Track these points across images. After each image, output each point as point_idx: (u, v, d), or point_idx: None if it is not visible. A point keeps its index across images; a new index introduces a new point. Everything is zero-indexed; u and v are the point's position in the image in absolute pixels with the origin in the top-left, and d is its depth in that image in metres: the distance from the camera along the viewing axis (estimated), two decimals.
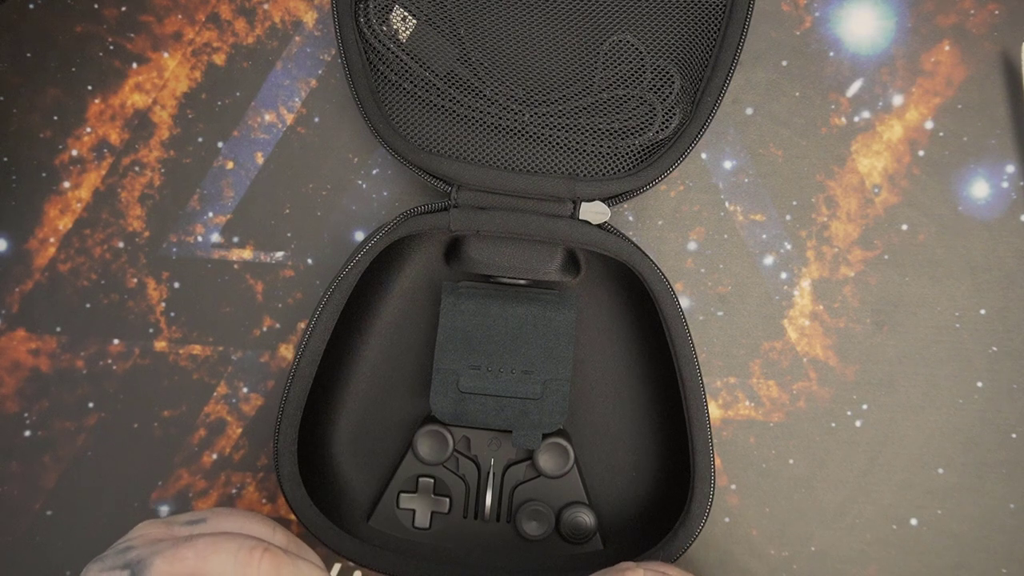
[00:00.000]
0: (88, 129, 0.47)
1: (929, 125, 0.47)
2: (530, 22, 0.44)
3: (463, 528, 0.45)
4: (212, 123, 0.48)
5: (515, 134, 0.44)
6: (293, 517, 0.47)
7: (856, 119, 0.48)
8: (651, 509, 0.46)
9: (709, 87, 0.43)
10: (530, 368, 0.44)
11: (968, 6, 0.47)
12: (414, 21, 0.43)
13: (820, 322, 0.47)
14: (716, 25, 0.43)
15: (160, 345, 0.47)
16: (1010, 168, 0.47)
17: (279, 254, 0.48)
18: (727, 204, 0.48)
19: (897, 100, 0.47)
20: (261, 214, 0.48)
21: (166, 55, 0.48)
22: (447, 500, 0.45)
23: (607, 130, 0.43)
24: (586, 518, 0.45)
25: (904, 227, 0.47)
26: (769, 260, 0.47)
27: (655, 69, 0.43)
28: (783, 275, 0.47)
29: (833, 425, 0.47)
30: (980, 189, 0.47)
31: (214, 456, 0.47)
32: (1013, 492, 0.47)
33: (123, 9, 0.47)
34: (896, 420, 0.47)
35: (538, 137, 0.43)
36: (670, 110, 0.43)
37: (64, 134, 0.47)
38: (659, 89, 0.43)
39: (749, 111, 0.48)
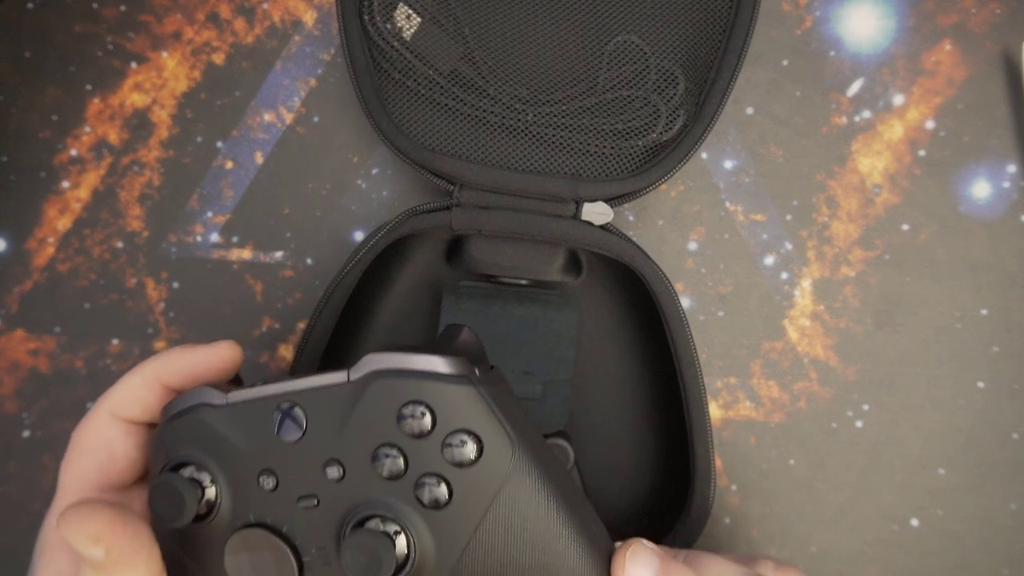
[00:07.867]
0: (87, 129, 0.47)
1: (930, 125, 0.47)
2: (535, 22, 0.44)
3: None
4: (212, 123, 0.47)
5: (518, 134, 0.43)
6: None
7: (857, 119, 0.48)
8: (651, 510, 0.46)
9: (713, 89, 0.43)
10: (531, 369, 0.44)
11: (969, 5, 0.47)
12: (418, 19, 0.43)
13: (821, 322, 0.47)
14: (721, 27, 0.43)
15: (159, 345, 0.47)
16: (1011, 168, 0.47)
17: (279, 254, 0.47)
18: (727, 204, 0.48)
19: (898, 100, 0.47)
20: (261, 214, 0.47)
21: (165, 55, 0.47)
22: None
23: (611, 131, 0.43)
24: None
25: (905, 227, 0.47)
26: (769, 260, 0.47)
27: (659, 70, 0.43)
28: (784, 275, 0.47)
29: (834, 425, 0.47)
30: (981, 189, 0.47)
31: None
32: (1013, 492, 0.47)
33: (122, 9, 0.47)
34: (897, 420, 0.47)
35: (541, 137, 0.43)
36: (674, 112, 0.43)
37: (63, 134, 0.47)
38: (663, 90, 0.43)
39: (749, 111, 0.48)
